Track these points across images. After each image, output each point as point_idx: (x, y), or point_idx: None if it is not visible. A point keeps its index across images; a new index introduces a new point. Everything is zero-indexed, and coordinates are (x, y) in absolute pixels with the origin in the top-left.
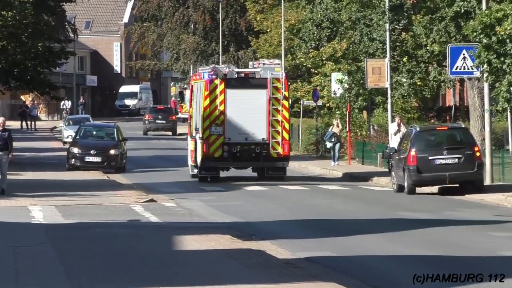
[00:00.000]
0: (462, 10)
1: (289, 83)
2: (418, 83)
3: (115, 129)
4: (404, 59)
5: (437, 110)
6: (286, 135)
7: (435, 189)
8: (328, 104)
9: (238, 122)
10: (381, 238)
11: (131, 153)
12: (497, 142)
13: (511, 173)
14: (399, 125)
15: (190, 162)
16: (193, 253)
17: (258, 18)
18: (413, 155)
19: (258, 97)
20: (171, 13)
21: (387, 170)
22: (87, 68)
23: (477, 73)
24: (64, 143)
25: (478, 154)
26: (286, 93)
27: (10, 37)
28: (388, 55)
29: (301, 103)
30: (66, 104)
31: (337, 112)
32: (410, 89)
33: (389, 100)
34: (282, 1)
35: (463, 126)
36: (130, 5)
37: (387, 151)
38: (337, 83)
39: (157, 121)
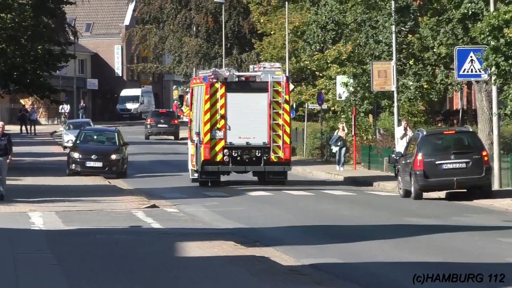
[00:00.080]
0: (470, 12)
1: (293, 87)
2: (425, 86)
3: (116, 134)
4: (411, 62)
5: (444, 114)
6: (287, 139)
7: (442, 194)
8: (333, 108)
9: (238, 126)
10: (387, 244)
11: (132, 158)
12: (506, 146)
13: None
14: (405, 129)
15: (190, 167)
16: (195, 260)
17: (261, 20)
18: (420, 160)
19: (258, 100)
20: (173, 15)
21: (393, 174)
22: (88, 71)
23: (485, 76)
24: (65, 147)
25: (486, 158)
26: (287, 97)
27: (9, 40)
28: (394, 57)
29: (306, 106)
30: (65, 108)
31: (342, 116)
32: (417, 92)
33: (395, 104)
34: (286, 3)
35: (471, 130)
36: (131, 7)
37: (393, 155)
38: (342, 86)
39: (159, 125)
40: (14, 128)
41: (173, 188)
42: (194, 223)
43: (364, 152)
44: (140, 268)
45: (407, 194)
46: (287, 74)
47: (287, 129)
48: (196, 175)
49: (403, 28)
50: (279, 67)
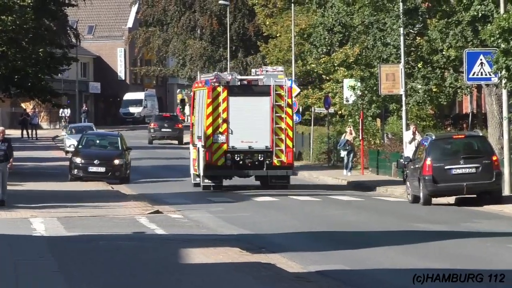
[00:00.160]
0: (480, 14)
1: (299, 90)
2: (434, 90)
3: (119, 138)
4: (419, 65)
5: (453, 118)
6: (289, 143)
7: (451, 199)
8: (340, 112)
9: (241, 130)
10: (394, 250)
11: (135, 163)
12: None
13: None
14: (414, 133)
15: (192, 171)
16: (199, 266)
17: (267, 23)
18: (428, 165)
19: (261, 104)
20: (177, 18)
21: (401, 180)
22: (90, 75)
23: (495, 79)
24: (67, 152)
25: (496, 163)
26: (290, 100)
27: (10, 43)
28: (402, 60)
29: (312, 110)
30: (66, 112)
31: (349, 120)
32: (426, 95)
33: (403, 107)
34: (292, 5)
35: (481, 134)
36: (134, 9)
37: (402, 160)
38: (349, 90)
39: (162, 130)
40: (15, 133)
41: (177, 194)
42: (199, 229)
43: (372, 156)
44: (142, 272)
45: (415, 199)
46: (293, 78)
47: (290, 133)
48: (198, 179)
49: (411, 31)
50: (281, 71)
